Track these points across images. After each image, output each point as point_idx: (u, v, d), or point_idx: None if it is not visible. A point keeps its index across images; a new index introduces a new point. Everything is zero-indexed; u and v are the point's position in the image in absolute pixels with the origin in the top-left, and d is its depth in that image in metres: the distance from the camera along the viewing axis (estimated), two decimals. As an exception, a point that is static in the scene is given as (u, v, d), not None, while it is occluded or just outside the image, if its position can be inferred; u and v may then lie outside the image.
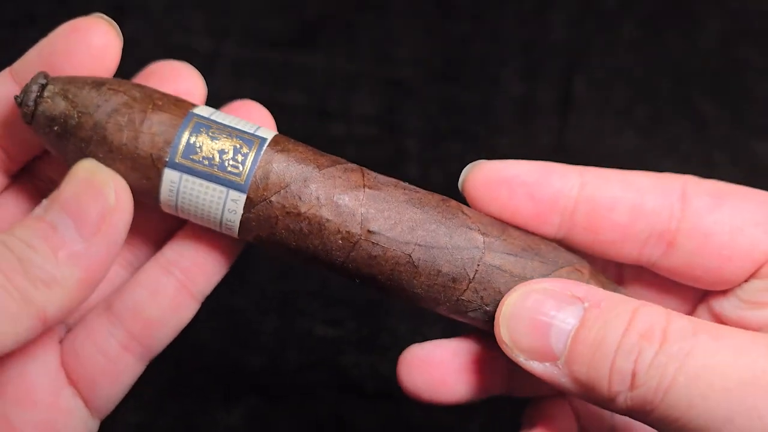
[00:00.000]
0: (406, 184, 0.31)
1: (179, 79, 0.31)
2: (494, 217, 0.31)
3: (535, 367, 0.28)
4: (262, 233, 0.29)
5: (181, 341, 0.34)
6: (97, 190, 0.28)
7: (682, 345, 0.26)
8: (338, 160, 0.30)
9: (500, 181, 0.31)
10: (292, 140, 0.30)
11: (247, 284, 0.49)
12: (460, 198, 0.31)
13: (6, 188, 0.32)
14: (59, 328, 0.32)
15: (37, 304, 0.26)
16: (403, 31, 0.61)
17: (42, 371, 0.31)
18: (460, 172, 0.51)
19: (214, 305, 0.34)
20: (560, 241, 0.31)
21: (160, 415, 0.34)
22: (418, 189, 0.30)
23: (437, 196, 0.30)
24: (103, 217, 0.27)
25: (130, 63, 0.31)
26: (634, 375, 0.26)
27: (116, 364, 0.31)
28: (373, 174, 0.30)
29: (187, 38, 0.59)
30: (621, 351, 0.26)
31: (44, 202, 0.28)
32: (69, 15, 0.30)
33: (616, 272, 0.34)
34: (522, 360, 0.28)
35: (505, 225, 0.31)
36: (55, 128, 0.28)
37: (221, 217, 0.29)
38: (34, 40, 0.32)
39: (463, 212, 0.30)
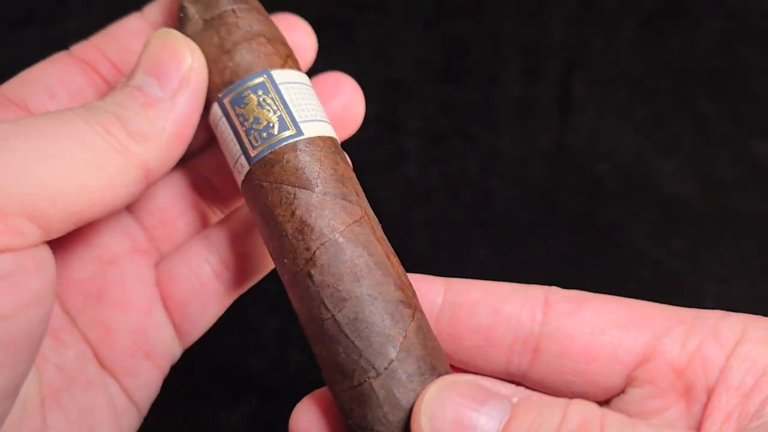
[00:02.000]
0: (395, 261, 0.29)
1: (291, 29, 0.33)
2: (441, 350, 0.29)
3: None
4: (252, 202, 0.30)
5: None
6: (174, 51, 0.29)
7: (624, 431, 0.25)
8: (348, 195, 0.28)
9: None
10: (333, 152, 0.29)
11: (248, 284, 0.49)
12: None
13: None
14: (154, 253, 0.33)
15: (139, 156, 0.28)
16: (403, 31, 0.61)
17: (138, 283, 0.32)
18: (460, 172, 0.51)
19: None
20: None
21: (161, 414, 0.34)
22: (392, 276, 0.28)
23: (401, 294, 0.28)
24: (183, 74, 0.29)
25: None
26: None
27: (207, 288, 0.32)
28: (368, 229, 0.28)
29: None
30: None
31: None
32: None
33: None
34: None
35: (435, 370, 0.27)
36: (180, 15, 0.31)
37: (234, 166, 0.30)
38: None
39: (407, 328, 0.27)
